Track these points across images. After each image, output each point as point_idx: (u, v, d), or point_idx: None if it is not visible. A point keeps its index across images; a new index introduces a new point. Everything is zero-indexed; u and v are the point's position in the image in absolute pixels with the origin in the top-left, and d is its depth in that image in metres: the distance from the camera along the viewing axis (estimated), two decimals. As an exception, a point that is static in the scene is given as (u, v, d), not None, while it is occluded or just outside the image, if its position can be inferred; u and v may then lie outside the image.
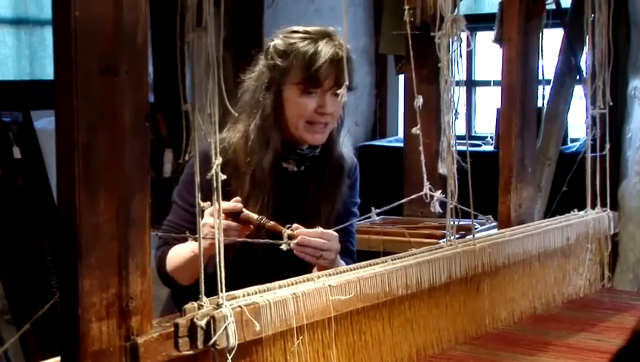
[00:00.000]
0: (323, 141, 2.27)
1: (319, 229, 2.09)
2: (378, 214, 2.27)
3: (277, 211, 2.21)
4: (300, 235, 2.06)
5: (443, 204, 2.16)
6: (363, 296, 1.80)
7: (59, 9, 1.32)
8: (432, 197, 2.19)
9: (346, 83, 1.90)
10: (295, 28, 2.25)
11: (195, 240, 2.05)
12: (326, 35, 2.23)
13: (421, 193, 2.19)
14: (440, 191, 2.19)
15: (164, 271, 2.21)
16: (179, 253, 2.17)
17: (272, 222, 2.08)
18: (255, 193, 2.20)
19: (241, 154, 2.23)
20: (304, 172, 2.30)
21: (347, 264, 2.14)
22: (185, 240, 2.16)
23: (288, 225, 2.08)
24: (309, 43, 2.20)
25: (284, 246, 2.05)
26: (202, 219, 1.86)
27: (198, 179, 1.46)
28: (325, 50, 2.19)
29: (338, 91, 2.00)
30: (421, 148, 2.19)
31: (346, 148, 2.38)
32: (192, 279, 2.06)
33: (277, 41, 2.24)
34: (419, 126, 2.15)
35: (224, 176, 1.50)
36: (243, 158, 2.22)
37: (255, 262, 2.16)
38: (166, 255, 2.21)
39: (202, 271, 1.49)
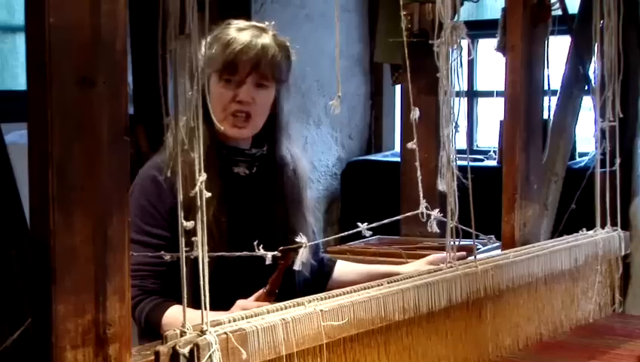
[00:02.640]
0: (248, 134, 2.31)
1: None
2: (369, 229, 2.27)
3: (236, 218, 2.22)
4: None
5: (442, 223, 2.17)
6: (357, 322, 1.80)
7: (32, 15, 1.33)
8: (428, 216, 2.20)
9: (339, 94, 1.91)
10: (229, 21, 2.30)
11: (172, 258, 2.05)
12: (255, 27, 2.28)
13: (417, 211, 2.20)
14: (437, 210, 2.20)
15: (154, 331, 2.12)
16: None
17: (274, 276, 2.11)
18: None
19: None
20: (256, 173, 2.34)
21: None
22: (169, 282, 2.13)
23: (281, 249, 2.08)
24: (231, 31, 2.26)
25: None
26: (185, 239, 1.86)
27: (180, 197, 1.46)
28: (243, 36, 2.24)
29: (331, 103, 2.02)
30: (417, 163, 2.20)
31: (298, 153, 2.46)
32: None
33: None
34: (415, 140, 2.16)
35: (209, 194, 1.49)
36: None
37: (235, 277, 2.16)
38: (161, 310, 2.15)
39: (185, 296, 1.49)
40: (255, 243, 2.04)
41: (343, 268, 2.55)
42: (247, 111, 2.25)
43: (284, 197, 2.36)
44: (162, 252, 2.10)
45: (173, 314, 2.12)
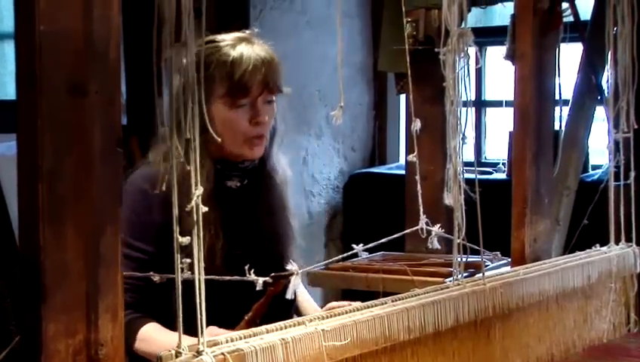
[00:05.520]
0: (261, 154, 2.34)
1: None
2: (366, 250, 2.29)
3: (229, 231, 2.24)
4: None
5: (448, 239, 2.17)
6: (360, 342, 1.80)
7: (22, 22, 1.33)
8: (428, 232, 2.20)
9: (341, 104, 1.91)
10: (210, 37, 2.29)
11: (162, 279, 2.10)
12: (243, 40, 2.30)
13: (416, 228, 2.20)
14: (439, 225, 2.20)
15: (127, 345, 2.12)
16: (162, 342, 2.09)
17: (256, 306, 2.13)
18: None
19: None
20: (248, 185, 2.37)
21: None
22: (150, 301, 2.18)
23: (272, 276, 2.10)
24: (227, 49, 2.26)
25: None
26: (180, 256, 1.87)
27: (176, 211, 1.46)
28: (246, 52, 2.25)
29: (332, 113, 2.02)
30: (418, 177, 2.20)
31: (282, 159, 2.46)
32: None
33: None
34: (416, 153, 2.17)
35: (205, 209, 1.49)
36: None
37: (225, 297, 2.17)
38: (135, 325, 2.19)
39: (180, 315, 1.49)
40: (246, 267, 2.06)
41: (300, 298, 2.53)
42: (263, 132, 2.29)
43: (272, 207, 2.41)
44: (152, 272, 2.13)
45: (148, 332, 2.17)
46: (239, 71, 2.23)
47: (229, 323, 2.05)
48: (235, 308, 2.12)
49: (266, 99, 2.27)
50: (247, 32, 2.35)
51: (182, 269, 1.47)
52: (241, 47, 2.27)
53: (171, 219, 1.44)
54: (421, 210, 2.22)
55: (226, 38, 2.30)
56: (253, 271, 2.05)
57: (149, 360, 2.14)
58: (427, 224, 2.25)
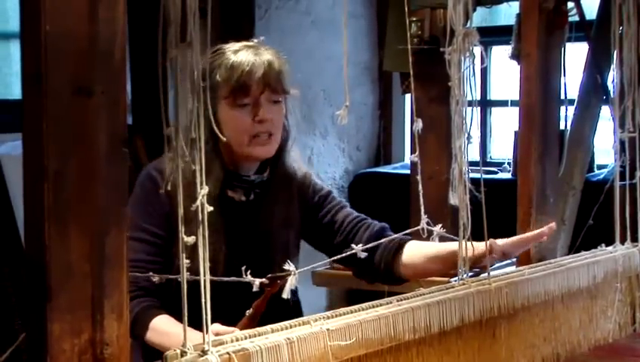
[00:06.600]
0: (273, 153, 2.37)
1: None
2: (365, 251, 2.31)
3: (231, 244, 2.26)
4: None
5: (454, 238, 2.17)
6: (365, 342, 1.80)
7: (27, 22, 1.34)
8: (429, 231, 2.21)
9: (346, 104, 1.91)
10: (219, 45, 2.37)
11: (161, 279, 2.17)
12: (248, 47, 2.36)
13: (417, 228, 2.21)
14: (440, 225, 2.20)
15: (139, 334, 2.22)
16: (174, 335, 2.13)
17: (255, 304, 2.15)
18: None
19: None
20: (254, 201, 2.39)
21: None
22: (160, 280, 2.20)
23: (269, 277, 2.11)
24: (229, 55, 2.32)
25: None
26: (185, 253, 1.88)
27: (181, 211, 1.46)
28: (245, 56, 2.31)
29: (338, 113, 2.02)
30: (418, 176, 2.21)
31: (296, 161, 2.49)
32: None
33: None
34: (417, 153, 2.18)
35: (210, 208, 1.50)
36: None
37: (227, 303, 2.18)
38: (148, 316, 2.23)
39: (185, 314, 1.49)
40: (243, 268, 2.09)
41: (412, 251, 2.51)
42: (268, 130, 2.33)
43: (277, 223, 2.44)
44: (151, 273, 2.20)
45: (159, 324, 2.22)
46: (238, 72, 2.29)
47: (228, 323, 2.07)
48: (233, 309, 2.13)
49: (270, 98, 2.32)
50: (255, 40, 2.41)
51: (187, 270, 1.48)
52: (244, 52, 2.32)
53: (176, 210, 1.46)
54: (422, 209, 2.23)
55: (231, 45, 2.36)
56: (250, 272, 2.08)
57: (160, 351, 2.16)
58: (428, 224, 2.26)
